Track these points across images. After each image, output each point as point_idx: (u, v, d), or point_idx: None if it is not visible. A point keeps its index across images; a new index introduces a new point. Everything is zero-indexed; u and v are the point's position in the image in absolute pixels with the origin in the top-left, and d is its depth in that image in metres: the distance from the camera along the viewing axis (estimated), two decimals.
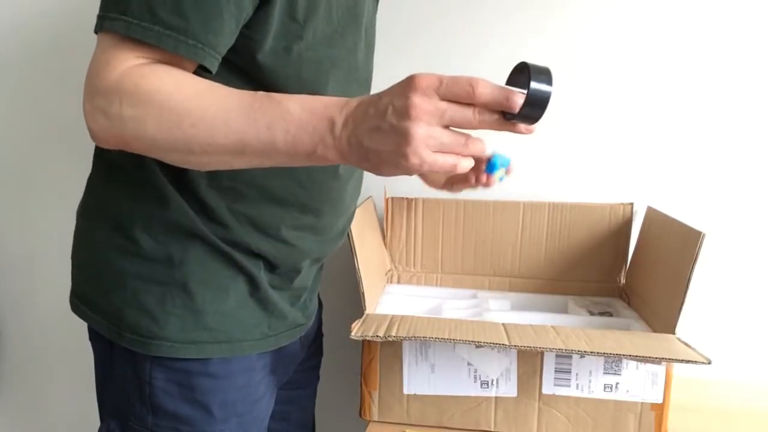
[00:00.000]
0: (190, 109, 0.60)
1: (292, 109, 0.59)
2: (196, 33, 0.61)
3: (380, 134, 0.55)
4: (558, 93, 1.17)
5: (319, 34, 0.71)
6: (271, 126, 0.59)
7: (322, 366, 1.05)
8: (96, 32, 0.63)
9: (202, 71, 0.64)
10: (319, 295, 0.98)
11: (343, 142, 0.57)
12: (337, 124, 0.58)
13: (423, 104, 0.53)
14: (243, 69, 0.68)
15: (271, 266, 0.79)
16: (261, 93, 0.61)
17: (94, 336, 0.79)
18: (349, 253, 0.91)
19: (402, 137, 0.54)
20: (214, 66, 0.64)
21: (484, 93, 0.53)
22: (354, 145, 0.57)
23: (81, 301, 0.79)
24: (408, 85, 0.54)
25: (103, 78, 0.61)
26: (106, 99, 0.61)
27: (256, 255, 0.76)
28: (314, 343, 0.98)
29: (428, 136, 0.54)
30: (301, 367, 0.94)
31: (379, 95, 0.56)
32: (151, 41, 0.60)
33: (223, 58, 0.66)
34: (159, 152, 0.63)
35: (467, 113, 0.54)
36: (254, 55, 0.67)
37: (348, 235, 0.90)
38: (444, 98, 0.54)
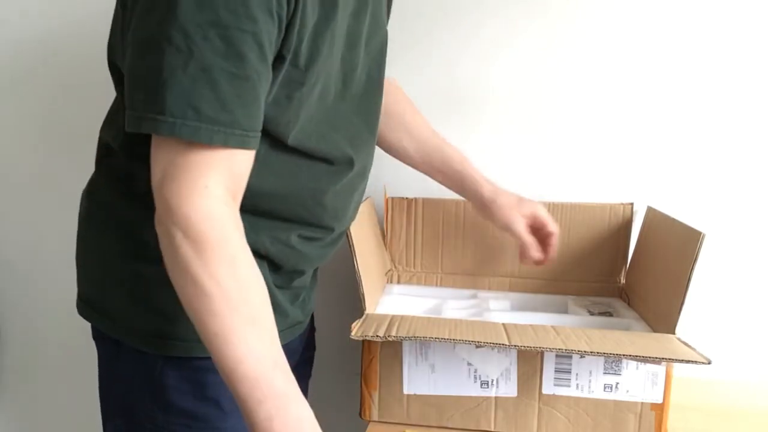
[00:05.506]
0: (224, 319, 0.61)
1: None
2: (242, 122, 0.61)
3: None
4: (558, 93, 1.18)
5: (321, 76, 0.71)
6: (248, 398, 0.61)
7: (323, 366, 1.04)
8: (131, 131, 0.62)
9: None
10: None
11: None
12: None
13: None
14: None
15: (275, 266, 0.79)
16: (278, 382, 0.62)
17: (99, 335, 0.80)
18: (349, 253, 0.91)
19: None
20: (257, 145, 0.65)
21: None
22: None
23: (88, 303, 0.79)
24: None
25: (185, 205, 0.60)
26: (180, 230, 0.61)
27: (262, 256, 0.77)
28: (308, 337, 0.99)
29: None
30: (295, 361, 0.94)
31: None
32: (202, 140, 0.59)
33: None
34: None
35: None
36: None
37: (348, 235, 0.90)
38: None
